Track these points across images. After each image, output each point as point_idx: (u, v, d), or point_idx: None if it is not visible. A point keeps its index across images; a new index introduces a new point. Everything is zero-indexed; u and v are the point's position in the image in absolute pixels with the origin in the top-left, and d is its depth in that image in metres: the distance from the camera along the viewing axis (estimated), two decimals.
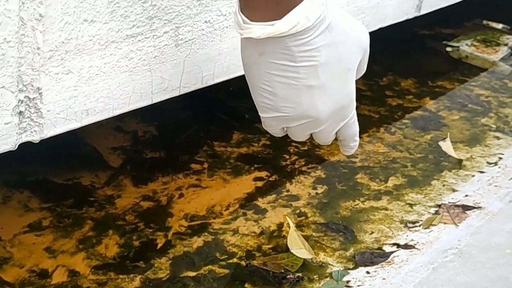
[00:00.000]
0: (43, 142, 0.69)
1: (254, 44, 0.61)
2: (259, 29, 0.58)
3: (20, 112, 0.66)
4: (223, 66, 0.86)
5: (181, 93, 0.83)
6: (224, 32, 0.84)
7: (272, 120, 0.66)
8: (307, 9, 0.58)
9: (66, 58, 0.68)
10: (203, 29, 0.82)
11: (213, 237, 0.87)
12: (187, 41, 0.80)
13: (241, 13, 0.60)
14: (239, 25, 0.61)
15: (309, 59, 0.60)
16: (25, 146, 0.68)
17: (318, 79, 0.61)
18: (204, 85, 0.86)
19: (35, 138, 0.68)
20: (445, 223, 0.92)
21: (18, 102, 0.65)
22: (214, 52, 0.84)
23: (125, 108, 0.77)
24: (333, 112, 0.64)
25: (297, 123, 0.65)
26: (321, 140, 0.69)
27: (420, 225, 0.92)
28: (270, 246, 0.86)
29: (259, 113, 0.67)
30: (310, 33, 0.59)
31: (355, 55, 0.65)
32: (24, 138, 0.68)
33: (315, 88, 0.62)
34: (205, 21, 0.82)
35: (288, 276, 0.80)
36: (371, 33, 1.19)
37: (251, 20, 0.59)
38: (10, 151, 0.66)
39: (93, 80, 0.71)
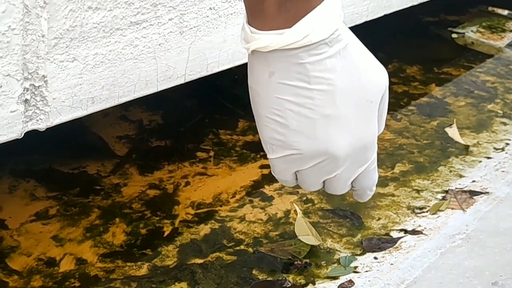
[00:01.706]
0: (49, 131, 0.69)
1: (263, 61, 0.54)
2: (267, 38, 0.52)
3: (26, 100, 0.66)
4: (228, 54, 0.86)
5: (187, 80, 0.83)
6: (229, 19, 0.84)
7: (283, 162, 0.57)
8: (321, 18, 0.51)
9: (71, 45, 0.67)
10: (207, 16, 0.82)
11: (220, 224, 0.87)
12: (192, 28, 0.80)
13: (248, 25, 0.54)
14: (246, 39, 0.54)
15: (325, 81, 0.53)
16: (31, 135, 0.68)
17: (337, 108, 0.53)
18: (209, 72, 0.85)
19: (41, 126, 0.68)
20: (452, 209, 0.92)
21: (24, 90, 0.65)
22: (219, 39, 0.84)
23: (130, 96, 0.76)
24: (353, 151, 0.56)
25: (311, 164, 0.56)
26: (335, 189, 0.60)
27: (427, 211, 0.92)
28: (277, 233, 0.86)
29: (268, 155, 0.58)
30: (326, 49, 0.52)
31: (378, 88, 0.56)
32: (30, 127, 0.67)
33: (332, 118, 0.54)
34: (210, 8, 0.81)
35: (296, 262, 0.80)
36: (376, 20, 1.19)
37: (259, 30, 0.53)
38: (16, 140, 0.66)
39: (98, 68, 0.71)
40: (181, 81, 0.82)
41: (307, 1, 0.51)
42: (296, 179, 0.60)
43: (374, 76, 0.56)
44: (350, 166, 0.57)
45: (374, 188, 0.63)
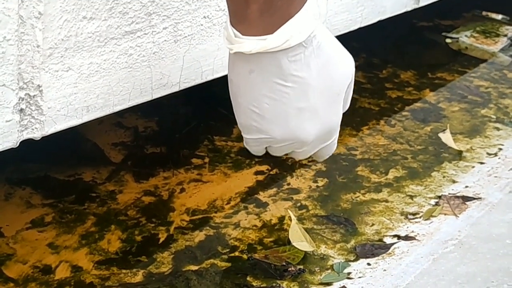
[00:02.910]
0: (44, 138, 0.70)
1: (245, 60, 0.59)
2: (250, 43, 0.57)
3: (21, 110, 0.66)
4: (223, 61, 0.87)
5: (181, 88, 0.83)
6: (223, 27, 0.85)
7: (256, 142, 0.65)
8: (300, 23, 0.57)
9: (66, 55, 0.68)
10: (202, 25, 0.82)
11: (214, 231, 0.88)
12: (186, 37, 0.81)
13: (232, 27, 0.59)
14: (230, 40, 0.59)
15: (300, 79, 0.59)
16: (27, 143, 0.69)
17: (308, 101, 0.60)
18: (204, 80, 0.86)
19: (36, 135, 0.69)
20: (445, 214, 0.92)
21: (19, 100, 0.66)
22: (213, 47, 0.85)
23: (125, 104, 0.77)
24: (319, 135, 0.64)
25: (281, 144, 0.64)
26: (298, 157, 0.69)
27: (420, 217, 0.92)
28: (271, 239, 0.87)
29: (243, 134, 0.66)
30: (302, 50, 0.58)
31: (345, 79, 0.64)
32: (25, 136, 0.68)
33: (305, 110, 0.61)
34: (204, 17, 0.82)
35: (290, 269, 0.81)
36: (370, 26, 1.19)
37: (242, 35, 0.58)
38: (12, 148, 0.67)
39: (93, 77, 0.72)
40: (175, 89, 0.83)
41: (286, 10, 0.56)
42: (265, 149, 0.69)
43: (342, 69, 0.63)
44: (315, 145, 0.65)
45: (331, 153, 0.71)
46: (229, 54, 0.62)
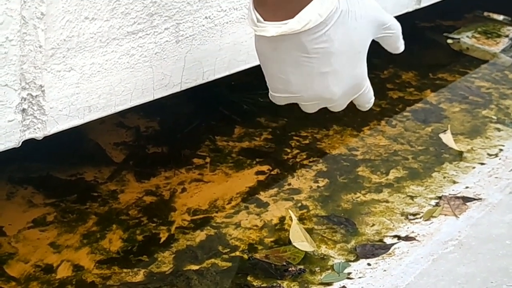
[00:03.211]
0: (47, 138, 0.70)
1: (267, 40, 0.62)
2: (273, 29, 0.59)
3: (23, 110, 0.67)
4: (224, 62, 0.87)
5: (183, 88, 0.84)
6: (224, 28, 0.85)
7: (284, 99, 0.67)
8: (319, 6, 0.59)
9: (68, 55, 0.68)
10: (203, 25, 0.83)
11: (215, 230, 0.88)
12: (187, 37, 0.81)
13: (255, 10, 0.61)
14: (253, 22, 0.61)
15: (322, 50, 0.62)
16: (29, 143, 0.69)
17: (331, 66, 0.63)
18: (205, 80, 0.86)
19: (38, 135, 0.69)
20: (445, 215, 0.93)
21: (21, 100, 0.66)
22: (215, 48, 0.85)
23: (127, 104, 0.77)
24: (345, 92, 0.66)
25: (309, 103, 0.67)
26: (334, 109, 0.71)
27: (420, 217, 0.93)
28: (272, 239, 0.87)
29: (270, 91, 0.68)
30: (322, 27, 0.60)
31: (367, 37, 0.66)
32: (28, 135, 0.68)
33: (328, 74, 0.63)
34: (206, 17, 0.82)
35: (290, 269, 0.81)
36: None
37: (264, 19, 0.60)
38: (14, 147, 0.67)
39: (95, 77, 0.72)
40: (177, 89, 0.83)
41: None
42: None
43: (365, 29, 0.65)
44: (345, 98, 0.68)
45: (372, 101, 0.73)
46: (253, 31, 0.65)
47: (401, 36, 0.72)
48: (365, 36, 0.66)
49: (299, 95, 0.66)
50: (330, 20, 0.60)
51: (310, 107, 0.69)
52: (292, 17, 0.58)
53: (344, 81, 0.65)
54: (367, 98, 0.71)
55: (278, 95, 0.67)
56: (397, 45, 0.72)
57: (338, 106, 0.69)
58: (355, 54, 0.65)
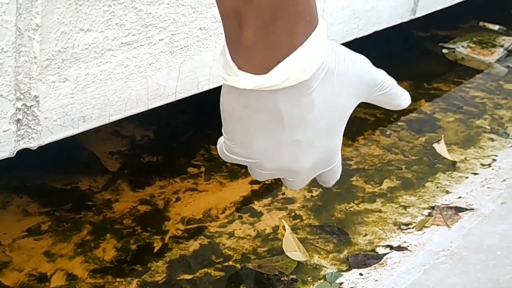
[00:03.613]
0: (42, 147, 0.71)
1: (239, 94, 0.50)
2: (245, 80, 0.48)
3: (18, 120, 0.67)
4: (218, 72, 0.88)
5: (177, 98, 0.84)
6: (219, 38, 0.86)
7: (237, 161, 0.56)
8: (305, 59, 0.47)
9: (63, 66, 0.69)
10: (198, 36, 0.83)
11: (209, 240, 0.89)
12: (182, 48, 0.82)
13: (229, 57, 0.49)
14: (225, 69, 0.50)
15: (299, 116, 0.51)
16: (24, 151, 0.70)
17: (305, 136, 0.52)
18: (200, 90, 0.87)
19: (33, 145, 0.70)
20: (438, 225, 0.93)
21: (16, 110, 0.67)
22: (209, 58, 0.86)
23: (121, 114, 0.78)
24: (315, 166, 0.56)
25: (270, 173, 0.56)
26: (292, 185, 0.59)
27: (413, 227, 0.93)
28: (265, 249, 0.88)
29: (224, 149, 0.56)
30: (305, 89, 0.49)
31: (352, 105, 0.55)
32: (22, 145, 0.69)
33: (300, 143, 0.53)
34: (200, 28, 0.83)
35: (283, 279, 0.82)
36: (366, 37, 1.21)
37: (239, 67, 0.48)
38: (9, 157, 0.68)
39: (89, 88, 0.73)
40: (171, 99, 0.84)
41: (288, 40, 0.47)
42: None
43: (351, 94, 0.54)
44: (309, 174, 0.57)
45: (338, 178, 0.61)
46: (223, 83, 0.53)
47: (399, 92, 0.58)
48: (350, 103, 0.54)
49: (258, 162, 0.54)
50: (315, 80, 0.49)
51: (264, 176, 0.57)
52: (271, 68, 0.47)
53: (316, 154, 0.54)
54: (334, 174, 0.60)
55: (233, 157, 0.55)
56: (397, 102, 0.58)
57: (299, 182, 0.58)
58: (334, 124, 0.54)
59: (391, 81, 0.57)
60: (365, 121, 1.24)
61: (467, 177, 1.07)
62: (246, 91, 0.49)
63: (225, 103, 0.52)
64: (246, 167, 0.58)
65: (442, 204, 0.99)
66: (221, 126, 0.55)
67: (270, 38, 0.46)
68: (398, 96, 0.58)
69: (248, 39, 0.46)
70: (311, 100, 0.50)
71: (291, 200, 0.99)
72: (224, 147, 0.56)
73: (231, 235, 0.90)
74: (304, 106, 0.50)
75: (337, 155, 0.57)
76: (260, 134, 0.52)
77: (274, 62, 0.47)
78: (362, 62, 0.54)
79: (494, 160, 1.13)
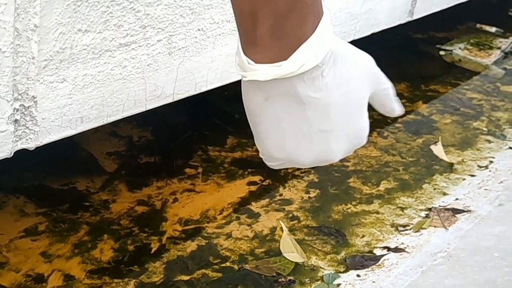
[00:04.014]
0: (39, 147, 0.71)
1: (259, 87, 0.55)
2: (265, 71, 0.53)
3: (16, 120, 0.67)
4: (216, 73, 0.88)
5: (175, 99, 0.84)
6: (217, 40, 0.86)
7: (280, 166, 0.59)
8: (315, 45, 0.52)
9: (61, 67, 0.69)
10: (196, 37, 0.83)
11: (206, 241, 0.89)
12: (180, 49, 0.82)
13: (245, 55, 0.54)
14: (242, 67, 0.54)
15: (318, 101, 0.55)
16: (21, 152, 0.70)
17: (331, 121, 0.55)
18: (198, 91, 0.87)
19: (31, 145, 0.70)
20: (435, 227, 0.93)
21: (14, 111, 0.66)
22: (207, 59, 0.86)
23: (119, 115, 0.78)
24: (348, 149, 0.59)
25: (309, 166, 0.59)
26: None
27: (410, 229, 0.93)
28: (262, 250, 0.88)
29: (266, 159, 0.60)
30: (318, 72, 0.54)
31: (366, 88, 0.58)
32: (20, 146, 0.69)
33: (329, 132, 0.56)
34: (198, 29, 0.83)
35: (280, 280, 0.82)
36: (363, 38, 1.21)
37: (255, 62, 0.53)
38: (6, 158, 0.68)
39: (87, 88, 0.73)
40: (169, 100, 0.84)
41: (299, 32, 0.52)
42: None
43: (362, 79, 0.57)
44: (345, 155, 0.60)
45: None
46: (241, 81, 0.57)
47: (395, 96, 0.62)
48: (363, 87, 0.58)
49: (297, 160, 0.57)
50: (325, 63, 0.54)
51: (307, 165, 0.60)
52: (286, 58, 0.52)
53: (346, 140, 0.57)
54: (360, 146, 0.62)
55: (274, 164, 0.59)
56: (393, 105, 0.61)
57: (335, 160, 0.61)
58: (356, 107, 0.57)
59: (390, 83, 0.61)
60: None
61: (464, 179, 1.07)
62: (266, 82, 0.53)
63: (249, 102, 0.57)
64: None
65: (439, 206, 0.99)
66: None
67: (284, 32, 0.51)
68: (395, 100, 0.62)
69: (263, 35, 0.51)
70: (325, 83, 0.54)
71: (289, 201, 0.99)
72: (264, 157, 0.60)
73: (228, 236, 0.90)
74: (320, 90, 0.54)
75: (364, 138, 0.60)
76: (289, 127, 0.55)
77: (289, 52, 0.52)
78: (365, 55, 0.59)
79: (491, 162, 1.13)
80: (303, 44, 0.52)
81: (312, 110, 0.54)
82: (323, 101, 0.54)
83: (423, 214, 0.97)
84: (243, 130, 1.15)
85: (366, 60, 0.59)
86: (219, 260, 0.85)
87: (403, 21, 1.30)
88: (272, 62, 0.52)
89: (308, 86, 0.54)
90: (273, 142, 0.57)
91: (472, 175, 1.08)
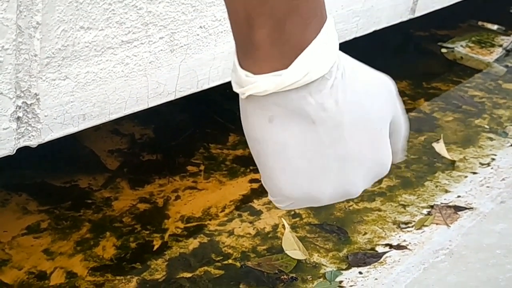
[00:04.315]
0: (42, 145, 0.71)
1: (259, 107, 0.47)
2: (265, 82, 0.46)
3: (18, 118, 0.67)
4: (218, 70, 0.88)
5: (177, 97, 0.84)
6: (219, 37, 0.86)
7: (293, 206, 0.50)
8: (320, 52, 0.46)
9: (63, 64, 0.69)
10: (198, 34, 0.83)
11: (208, 238, 0.89)
12: (182, 46, 0.82)
13: (241, 68, 0.46)
14: (239, 83, 0.47)
15: (329, 118, 0.47)
16: (24, 149, 0.70)
17: (347, 144, 0.47)
18: (200, 89, 0.87)
19: (33, 143, 0.70)
20: (437, 224, 0.93)
21: (16, 108, 0.67)
22: (209, 57, 0.86)
23: (121, 112, 0.78)
24: (368, 181, 0.49)
25: (327, 203, 0.49)
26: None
27: (412, 226, 0.93)
28: (265, 247, 0.88)
29: (276, 203, 0.50)
30: (325, 84, 0.46)
31: (386, 110, 0.50)
32: (22, 143, 0.69)
33: (346, 157, 0.48)
34: (200, 27, 0.83)
35: (282, 277, 0.82)
36: (365, 36, 1.21)
37: (253, 74, 0.46)
38: (9, 155, 0.68)
39: (89, 86, 0.73)
40: (171, 97, 0.84)
41: (301, 35, 0.46)
42: None
43: (377, 99, 0.49)
44: (364, 186, 0.50)
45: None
46: (240, 103, 0.49)
47: (404, 142, 0.52)
48: (383, 108, 0.49)
49: (315, 195, 0.48)
50: (332, 76, 0.46)
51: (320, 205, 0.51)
52: (288, 65, 0.45)
53: (369, 168, 0.48)
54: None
55: (286, 204, 0.49)
56: (399, 146, 0.52)
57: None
58: (375, 130, 0.49)
59: (407, 123, 0.50)
60: None
61: (466, 176, 1.07)
62: (267, 99, 0.47)
63: (250, 126, 0.48)
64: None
65: (442, 203, 0.99)
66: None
67: (284, 36, 0.46)
68: (402, 145, 0.51)
69: (262, 40, 0.46)
70: (335, 99, 0.47)
71: None
72: (275, 201, 0.49)
73: (230, 233, 0.90)
74: (329, 102, 0.47)
75: (389, 160, 0.51)
76: (300, 154, 0.47)
77: (290, 58, 0.45)
78: (385, 76, 0.50)
79: (493, 159, 1.13)
80: (306, 49, 0.45)
81: (325, 132, 0.46)
82: (336, 120, 0.47)
83: (425, 211, 0.97)
84: None
85: (386, 81, 0.50)
86: (221, 258, 0.85)
87: (404, 19, 1.30)
88: (273, 71, 0.45)
89: (316, 101, 0.46)
90: (282, 176, 0.48)
91: (474, 173, 1.08)
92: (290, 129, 0.46)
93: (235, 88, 0.47)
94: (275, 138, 0.47)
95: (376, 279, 0.81)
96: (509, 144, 1.19)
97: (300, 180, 0.47)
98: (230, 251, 0.87)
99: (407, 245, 0.89)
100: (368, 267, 0.84)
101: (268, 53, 0.45)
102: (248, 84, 0.46)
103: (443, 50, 1.60)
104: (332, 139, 0.46)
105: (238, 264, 0.84)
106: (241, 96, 0.47)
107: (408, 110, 1.30)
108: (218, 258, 0.85)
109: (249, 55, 0.46)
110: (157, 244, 0.87)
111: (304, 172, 0.47)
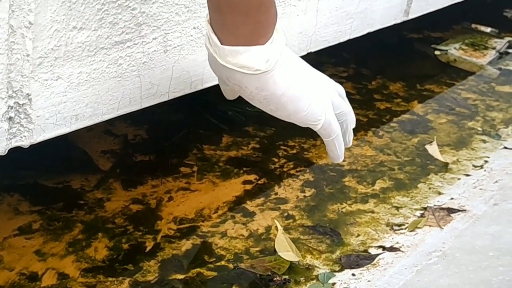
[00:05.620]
0: (34, 145, 0.70)
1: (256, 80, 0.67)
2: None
3: (10, 118, 0.67)
4: (212, 71, 0.87)
5: (170, 98, 0.84)
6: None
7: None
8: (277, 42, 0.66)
9: (56, 64, 0.69)
10: (191, 35, 0.83)
11: (201, 240, 0.88)
12: (175, 47, 0.82)
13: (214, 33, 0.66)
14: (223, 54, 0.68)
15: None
16: (16, 149, 0.69)
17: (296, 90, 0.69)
18: (193, 90, 0.87)
19: (25, 143, 0.69)
20: (430, 226, 0.93)
21: (8, 108, 0.66)
22: (203, 58, 0.85)
23: (114, 113, 0.78)
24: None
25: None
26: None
27: (405, 228, 0.93)
28: (258, 249, 0.88)
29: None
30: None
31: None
32: (14, 143, 0.69)
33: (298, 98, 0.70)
34: (194, 27, 0.83)
35: (275, 279, 0.81)
36: (360, 38, 1.21)
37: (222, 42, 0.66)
38: (0, 155, 0.67)
39: (82, 86, 0.72)
40: (164, 98, 0.84)
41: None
42: None
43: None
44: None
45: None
46: (258, 80, 0.68)
47: (351, 133, 0.82)
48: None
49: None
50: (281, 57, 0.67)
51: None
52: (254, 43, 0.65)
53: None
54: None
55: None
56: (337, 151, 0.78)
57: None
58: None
59: (353, 116, 0.80)
60: (357, 121, 1.23)
61: (459, 179, 1.07)
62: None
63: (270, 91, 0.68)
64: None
65: (435, 205, 0.99)
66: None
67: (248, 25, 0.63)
68: (349, 134, 0.80)
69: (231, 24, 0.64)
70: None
71: (284, 200, 0.98)
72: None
73: (223, 235, 0.90)
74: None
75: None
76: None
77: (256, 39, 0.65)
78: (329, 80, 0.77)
79: (486, 161, 1.13)
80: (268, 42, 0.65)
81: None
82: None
83: (418, 213, 0.97)
84: (238, 129, 1.15)
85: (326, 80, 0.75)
86: (214, 259, 0.85)
87: (398, 21, 1.30)
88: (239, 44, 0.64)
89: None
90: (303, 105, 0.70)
91: (467, 175, 1.09)
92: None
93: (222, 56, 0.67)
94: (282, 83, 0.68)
95: (369, 281, 0.81)
96: (502, 146, 1.19)
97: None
98: (223, 252, 0.86)
99: (400, 247, 0.88)
100: (361, 269, 0.84)
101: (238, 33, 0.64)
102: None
103: (437, 52, 1.60)
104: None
105: (231, 265, 0.84)
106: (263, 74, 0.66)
107: (401, 112, 1.30)
108: (211, 260, 0.85)
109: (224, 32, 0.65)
110: (149, 245, 0.87)
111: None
